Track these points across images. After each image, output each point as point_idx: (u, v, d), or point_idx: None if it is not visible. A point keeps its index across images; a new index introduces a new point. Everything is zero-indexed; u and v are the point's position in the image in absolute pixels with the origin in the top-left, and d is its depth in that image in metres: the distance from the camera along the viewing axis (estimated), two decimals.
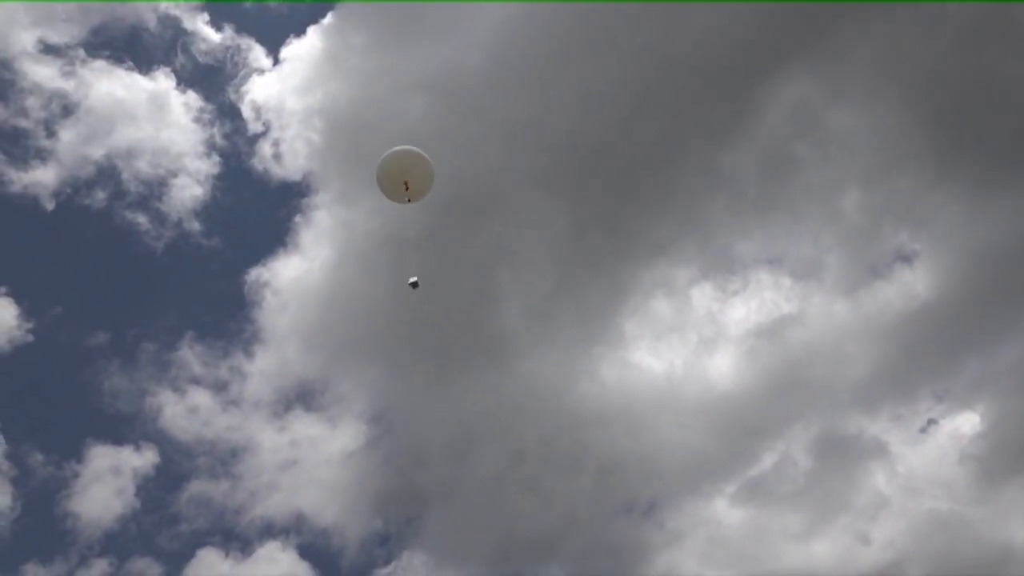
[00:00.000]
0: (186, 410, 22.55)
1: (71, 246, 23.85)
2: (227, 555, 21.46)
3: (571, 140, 23.24)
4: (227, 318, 24.07)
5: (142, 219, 23.57)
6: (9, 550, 20.29)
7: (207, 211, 24.18)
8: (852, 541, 22.13)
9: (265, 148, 24.95)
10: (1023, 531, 20.97)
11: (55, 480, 21.19)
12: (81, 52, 23.88)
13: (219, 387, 23.03)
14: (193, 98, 24.96)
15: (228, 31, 25.53)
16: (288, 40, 26.41)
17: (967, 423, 23.62)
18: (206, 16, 25.27)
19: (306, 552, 21.83)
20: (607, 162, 23.51)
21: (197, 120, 24.85)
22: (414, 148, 12.18)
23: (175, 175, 24.17)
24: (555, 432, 22.77)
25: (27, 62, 23.08)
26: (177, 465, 22.18)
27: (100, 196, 23.41)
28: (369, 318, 23.09)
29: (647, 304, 24.76)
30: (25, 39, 23.12)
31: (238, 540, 21.78)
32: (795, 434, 23.68)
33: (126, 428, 22.26)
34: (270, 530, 22.01)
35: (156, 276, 24.09)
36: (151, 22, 24.81)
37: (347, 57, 25.27)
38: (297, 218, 25.05)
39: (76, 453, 21.58)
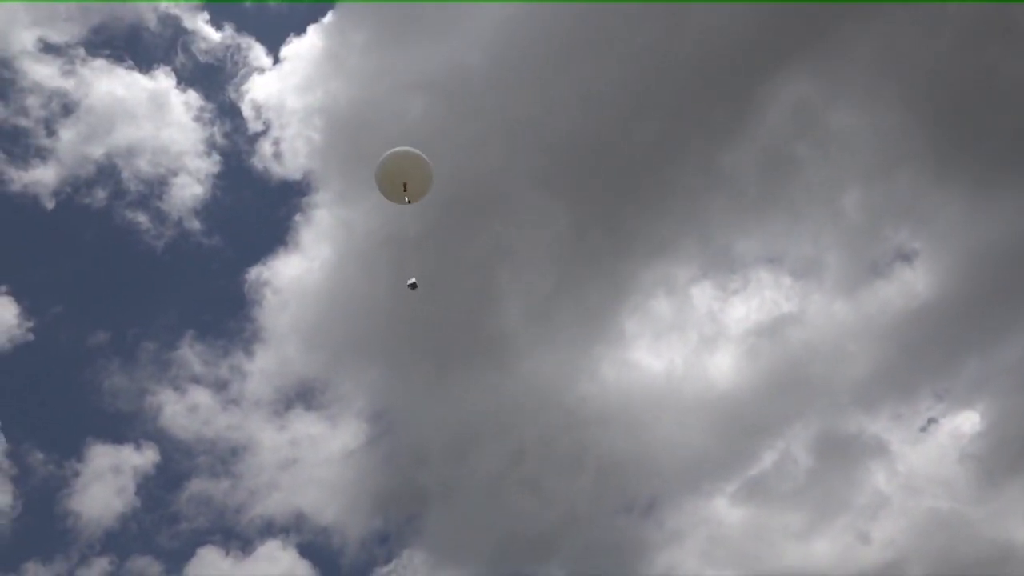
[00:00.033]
0: (186, 409, 22.59)
1: (71, 245, 23.89)
2: (227, 554, 21.51)
3: (571, 140, 23.26)
4: (227, 317, 24.11)
5: (142, 218, 23.61)
6: (9, 549, 20.35)
7: (207, 210, 24.22)
8: (852, 540, 22.16)
9: (265, 147, 24.97)
10: (1023, 530, 21.09)
11: (55, 479, 21.24)
12: (81, 51, 23.91)
13: (219, 386, 23.08)
14: (193, 97, 24.98)
15: (228, 30, 25.55)
16: (288, 39, 26.42)
17: (967, 422, 23.67)
18: (206, 15, 25.28)
19: (306, 551, 21.89)
20: (607, 162, 23.52)
21: (197, 119, 24.88)
22: (413, 149, 12.21)
23: (175, 174, 24.19)
24: (555, 431, 22.81)
25: (27, 61, 23.10)
26: (177, 464, 22.23)
27: (100, 195, 23.45)
28: (369, 317, 23.12)
29: (647, 303, 24.78)
30: (25, 38, 23.14)
31: (238, 539, 21.83)
32: (795, 433, 23.72)
33: (126, 427, 22.30)
34: (270, 529, 22.06)
35: (156, 275, 24.11)
36: (151, 21, 24.83)
37: (347, 56, 25.30)
38: (297, 217, 25.07)
39: (76, 452, 21.63)
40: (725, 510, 23.19)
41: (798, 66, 23.47)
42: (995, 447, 22.27)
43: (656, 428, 23.72)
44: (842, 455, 23.25)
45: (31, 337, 21.76)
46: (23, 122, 22.93)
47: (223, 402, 22.92)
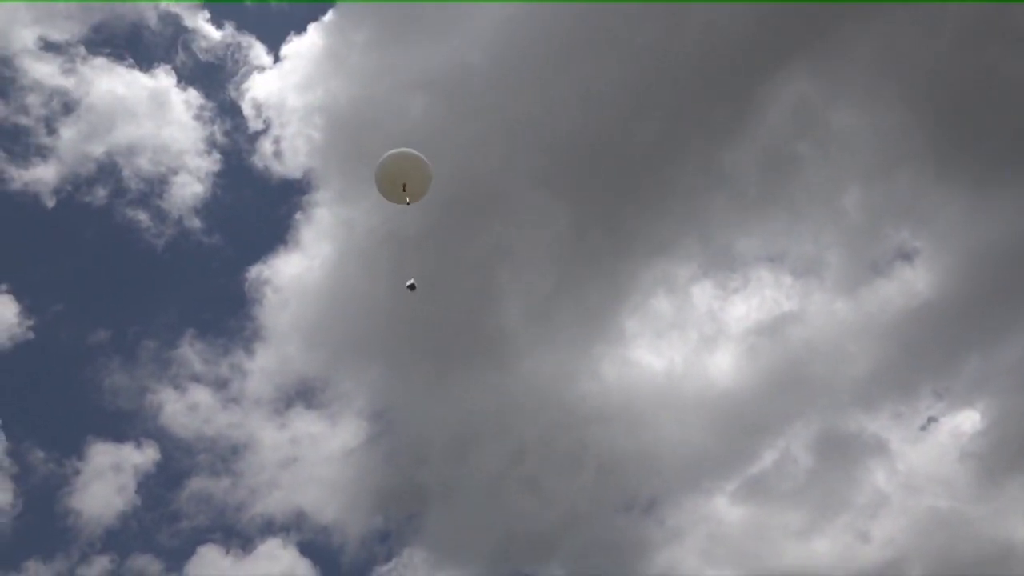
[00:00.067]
0: (187, 407, 22.62)
1: (72, 243, 23.92)
2: (228, 552, 21.55)
3: (571, 140, 23.26)
4: (228, 315, 24.14)
5: (143, 216, 23.62)
6: (10, 547, 20.38)
7: (208, 208, 24.24)
8: (852, 539, 22.21)
9: (266, 145, 24.99)
10: (1023, 529, 21.11)
11: (56, 477, 21.27)
12: (82, 50, 23.92)
13: (220, 384, 23.11)
14: (194, 95, 25.00)
15: (229, 29, 25.57)
16: (289, 38, 26.47)
17: (968, 421, 23.70)
18: (206, 14, 25.29)
19: (306, 549, 21.92)
20: (607, 162, 23.53)
21: (198, 117, 24.91)
22: (411, 150, 12.26)
23: (176, 172, 24.21)
24: (555, 430, 22.84)
25: (27, 59, 23.10)
26: (178, 462, 22.26)
27: (101, 193, 23.47)
28: (370, 316, 23.13)
29: (647, 302, 24.81)
30: (26, 36, 23.14)
31: (239, 537, 21.86)
32: (795, 432, 23.76)
33: (127, 425, 22.33)
34: (271, 527, 22.08)
35: (157, 273, 24.15)
36: (152, 20, 24.85)
37: (348, 55, 25.30)
38: (298, 215, 25.09)
39: (77, 450, 21.66)
40: (725, 509, 23.28)
41: (798, 66, 23.52)
42: (995, 446, 22.33)
43: (656, 427, 23.80)
44: (842, 454, 23.34)
45: (31, 336, 21.83)
46: (23, 120, 23.01)
47: (223, 400, 23.00)
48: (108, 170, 23.56)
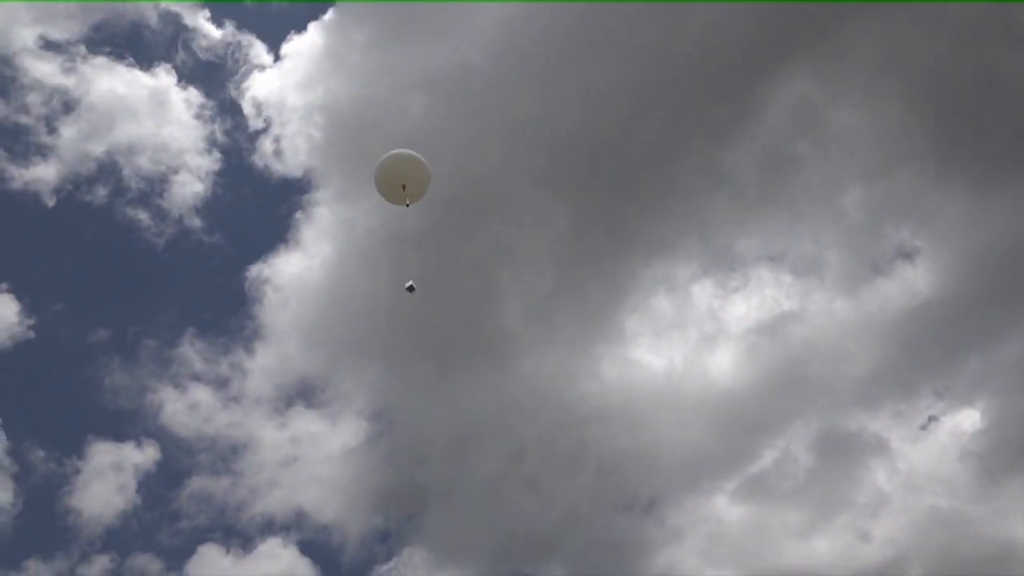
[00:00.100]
0: (187, 407, 22.67)
1: (72, 243, 23.97)
2: (228, 551, 21.59)
3: (571, 140, 23.29)
4: (228, 315, 24.19)
5: (143, 215, 23.68)
6: (11, 546, 20.43)
7: (208, 207, 24.29)
8: (853, 538, 22.25)
9: (266, 144, 25.05)
10: (1023, 528, 21.12)
11: (56, 476, 21.32)
12: (82, 49, 23.98)
13: (220, 384, 23.15)
14: (194, 95, 25.09)
15: (229, 28, 25.66)
16: (289, 37, 26.58)
17: (968, 420, 23.75)
18: (207, 13, 25.40)
19: (307, 548, 21.97)
20: (607, 162, 23.55)
21: (198, 116, 24.97)
22: (411, 151, 12.29)
23: (176, 171, 24.28)
24: (555, 430, 22.87)
25: (28, 59, 23.17)
26: (178, 461, 22.31)
27: (101, 192, 23.52)
28: (370, 315, 23.14)
29: (647, 302, 24.86)
30: (26, 36, 23.21)
31: (239, 536, 21.90)
32: (796, 431, 23.80)
33: (127, 424, 22.38)
34: (271, 526, 22.12)
35: (157, 273, 24.21)
36: (152, 19, 24.94)
37: (348, 54, 25.34)
38: (298, 215, 25.15)
39: (77, 449, 21.71)
40: (725, 508, 23.31)
41: (798, 66, 23.54)
42: (995, 445, 22.37)
43: (656, 426, 23.82)
44: (842, 453, 23.37)
45: (32, 335, 21.88)
46: (24, 119, 23.06)
47: (224, 400, 23.03)
48: (108, 169, 23.67)
